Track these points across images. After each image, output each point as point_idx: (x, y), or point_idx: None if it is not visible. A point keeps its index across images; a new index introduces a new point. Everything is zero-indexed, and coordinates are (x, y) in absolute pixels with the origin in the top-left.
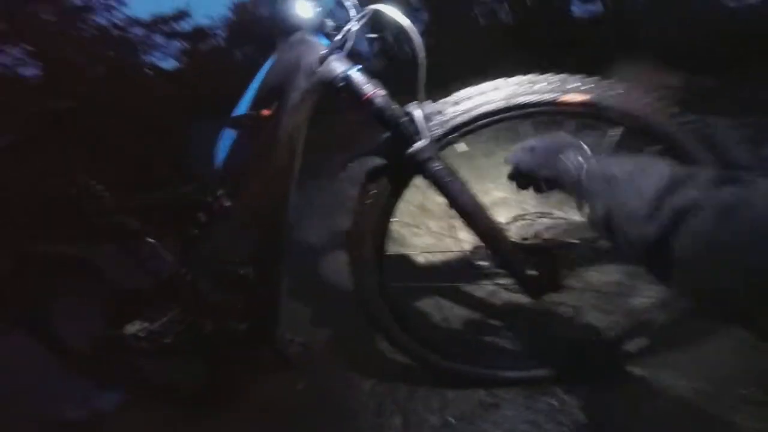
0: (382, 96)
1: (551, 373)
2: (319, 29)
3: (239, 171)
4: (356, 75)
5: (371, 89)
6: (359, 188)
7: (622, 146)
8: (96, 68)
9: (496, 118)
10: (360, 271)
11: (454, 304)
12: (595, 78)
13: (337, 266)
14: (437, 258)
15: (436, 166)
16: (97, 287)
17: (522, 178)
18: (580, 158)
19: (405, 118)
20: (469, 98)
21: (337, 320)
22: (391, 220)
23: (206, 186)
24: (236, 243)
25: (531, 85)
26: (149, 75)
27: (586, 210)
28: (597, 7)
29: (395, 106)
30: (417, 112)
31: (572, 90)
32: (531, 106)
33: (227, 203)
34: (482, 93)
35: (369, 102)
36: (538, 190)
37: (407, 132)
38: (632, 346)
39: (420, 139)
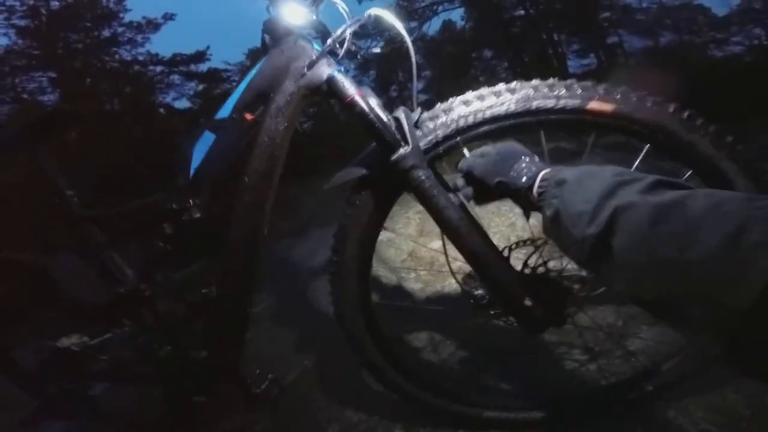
0: (367, 98)
1: (540, 417)
2: (312, 34)
3: (213, 179)
4: (340, 77)
5: (355, 91)
6: (344, 203)
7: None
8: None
9: (504, 124)
10: (343, 297)
11: (442, 336)
12: (624, 88)
13: (317, 291)
14: (428, 286)
15: (420, 176)
16: (49, 297)
17: (475, 184)
18: (533, 166)
19: (390, 123)
20: (468, 103)
21: (313, 352)
22: (377, 237)
23: (176, 195)
24: (202, 258)
25: (550, 89)
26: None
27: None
28: (591, 60)
29: (380, 110)
30: (403, 116)
31: (599, 98)
32: (550, 112)
33: (196, 214)
34: (484, 97)
35: (352, 104)
36: (489, 197)
37: (391, 138)
38: (632, 393)
39: (405, 146)
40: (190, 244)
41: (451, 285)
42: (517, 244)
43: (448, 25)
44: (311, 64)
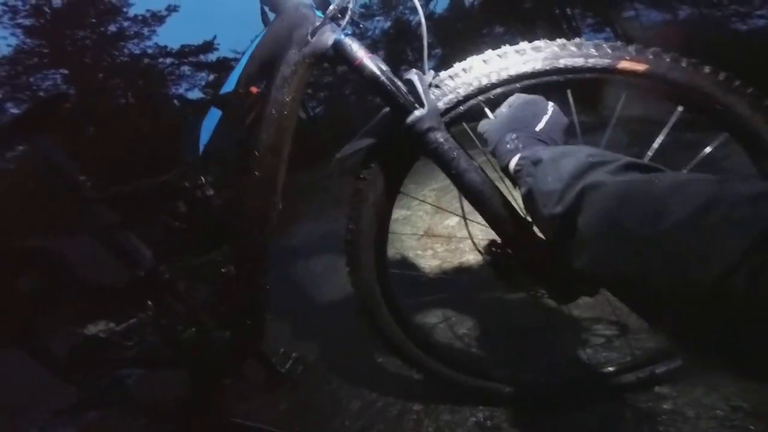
0: (376, 61)
1: (561, 394)
2: (313, 2)
3: (224, 155)
4: (347, 40)
5: (364, 54)
6: (356, 173)
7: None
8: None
9: (529, 82)
10: (360, 271)
11: (460, 310)
12: (656, 48)
13: (334, 271)
14: (445, 262)
15: (438, 138)
16: (66, 282)
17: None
18: (519, 143)
19: (403, 86)
20: (489, 61)
21: (331, 332)
22: (393, 204)
23: (187, 172)
24: (218, 235)
25: (577, 48)
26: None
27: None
28: (607, 35)
29: (391, 73)
30: (416, 78)
31: (631, 57)
32: (579, 70)
33: (209, 191)
34: (507, 55)
35: (361, 67)
36: None
37: (405, 101)
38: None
39: (420, 108)
40: (205, 222)
41: (469, 260)
42: None
43: (456, 1)
44: (314, 31)
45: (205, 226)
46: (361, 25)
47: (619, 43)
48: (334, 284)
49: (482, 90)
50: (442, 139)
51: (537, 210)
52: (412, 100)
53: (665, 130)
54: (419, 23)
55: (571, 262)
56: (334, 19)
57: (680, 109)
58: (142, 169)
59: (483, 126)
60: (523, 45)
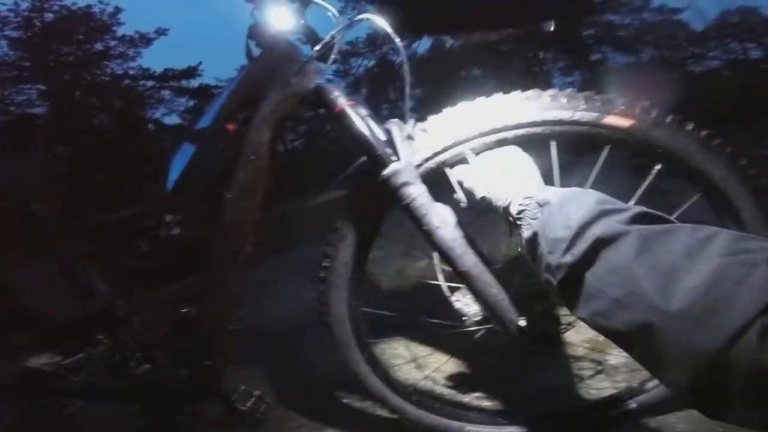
0: (357, 108)
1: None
2: (300, 40)
3: (193, 192)
4: (329, 86)
5: (344, 101)
6: (332, 222)
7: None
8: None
9: (516, 133)
10: (333, 316)
11: (429, 349)
12: (643, 103)
13: (302, 306)
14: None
15: (411, 193)
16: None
17: (466, 193)
18: (518, 184)
19: (382, 136)
20: (473, 111)
21: (294, 370)
22: (370, 249)
23: (153, 209)
24: (181, 276)
25: (567, 101)
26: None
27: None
28: (575, 78)
29: (371, 122)
30: (395, 128)
31: (617, 112)
32: (565, 123)
33: (175, 231)
34: (492, 105)
35: (341, 114)
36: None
37: (381, 152)
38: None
39: (396, 161)
40: (169, 261)
41: (440, 301)
42: (514, 259)
43: (437, 44)
44: (298, 71)
45: (167, 264)
46: (346, 64)
47: (610, 96)
48: (301, 321)
49: (467, 140)
50: (415, 195)
51: (542, 255)
52: (389, 151)
53: (643, 186)
54: (402, 67)
55: (573, 310)
56: (321, 58)
57: (658, 167)
58: (108, 198)
59: (461, 173)
60: (515, 94)
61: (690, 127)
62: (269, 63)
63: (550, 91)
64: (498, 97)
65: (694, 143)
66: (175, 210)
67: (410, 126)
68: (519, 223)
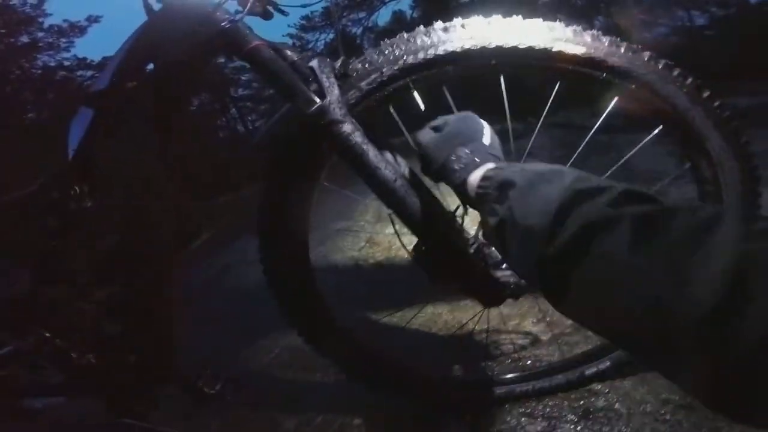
0: (273, 49)
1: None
2: None
3: (99, 159)
4: (237, 26)
5: (256, 40)
6: (264, 176)
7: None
8: None
9: (450, 67)
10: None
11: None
12: (598, 32)
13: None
14: (386, 269)
15: (344, 131)
16: None
17: (423, 159)
18: (475, 157)
19: (303, 74)
20: (408, 42)
21: (264, 349)
22: (310, 209)
23: (55, 182)
24: (102, 251)
25: (518, 27)
26: None
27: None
28: None
29: (290, 58)
30: (318, 65)
31: (572, 41)
32: (514, 53)
33: (87, 202)
34: (428, 35)
35: (252, 53)
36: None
37: (303, 90)
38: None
39: (321, 99)
40: (87, 235)
41: (409, 267)
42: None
43: (398, 15)
44: (205, 20)
45: (88, 241)
46: (282, 12)
47: (560, 24)
48: (266, 301)
49: (406, 71)
50: (347, 133)
51: (514, 246)
52: (313, 90)
53: (640, 146)
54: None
55: (559, 306)
56: (243, 3)
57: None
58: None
59: (423, 138)
60: (454, 21)
61: (654, 56)
62: (172, 13)
63: (493, 18)
64: (437, 26)
65: (661, 74)
66: (82, 179)
67: (340, 62)
68: (480, 208)
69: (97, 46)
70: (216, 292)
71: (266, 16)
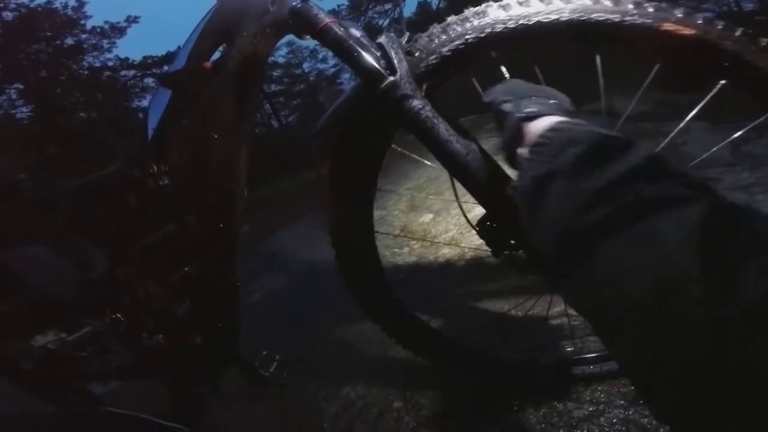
0: (344, 24)
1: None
2: None
3: (176, 139)
4: (307, 5)
5: (327, 18)
6: (333, 150)
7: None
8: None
9: (539, 38)
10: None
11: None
12: (704, 14)
13: (311, 275)
14: (422, 258)
15: (413, 106)
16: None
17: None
18: (541, 108)
19: (375, 52)
20: (479, 15)
21: (308, 335)
22: (375, 188)
23: (135, 162)
24: (177, 231)
25: (614, 3)
26: None
27: (521, 168)
28: None
29: (360, 36)
30: (387, 41)
31: (677, 20)
32: (613, 27)
33: (164, 181)
34: (505, 6)
35: (324, 33)
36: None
37: (376, 66)
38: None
39: (392, 75)
40: (163, 216)
41: (445, 255)
42: None
43: (424, 5)
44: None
45: (163, 221)
46: None
47: (663, 4)
48: (312, 288)
49: (485, 42)
50: (417, 108)
51: (546, 203)
52: (383, 65)
53: (702, 103)
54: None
55: (566, 277)
56: None
57: (722, 82)
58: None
59: (490, 91)
60: None
61: (765, 42)
62: None
63: None
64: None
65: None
66: (160, 159)
67: (405, 38)
68: (530, 155)
69: (139, 45)
70: (261, 281)
71: None
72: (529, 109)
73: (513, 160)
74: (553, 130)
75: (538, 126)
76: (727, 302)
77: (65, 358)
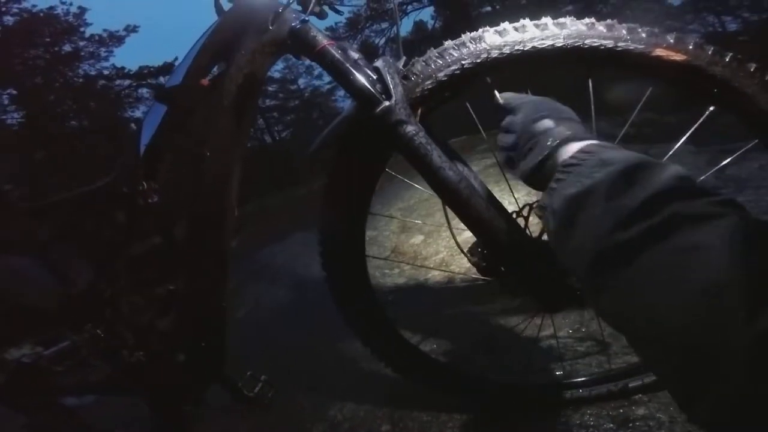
0: (341, 47)
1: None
2: None
3: (169, 155)
4: (306, 26)
5: (325, 41)
6: (326, 175)
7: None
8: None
9: (534, 63)
10: (337, 273)
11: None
12: (695, 39)
13: (301, 292)
14: (412, 279)
15: (408, 132)
16: None
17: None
18: (570, 131)
19: (371, 74)
20: (476, 41)
21: (294, 354)
22: (368, 210)
23: (125, 177)
24: (165, 248)
25: (608, 30)
26: None
27: (550, 188)
28: None
29: (357, 59)
30: (383, 65)
31: (668, 45)
32: (606, 54)
33: (153, 198)
34: (508, 32)
35: (321, 55)
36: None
37: (371, 90)
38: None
39: (387, 100)
40: (150, 233)
41: (435, 277)
42: (531, 206)
43: (420, 25)
44: (275, 18)
45: (151, 237)
46: (341, 13)
47: (655, 29)
48: (299, 305)
49: (481, 68)
50: (411, 134)
51: (582, 220)
52: (378, 90)
53: (692, 130)
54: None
55: (600, 294)
56: (304, 3)
57: (711, 108)
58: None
59: (503, 130)
60: (544, 19)
61: (752, 68)
62: (243, 11)
63: (586, 20)
64: (520, 24)
65: (756, 85)
66: (151, 175)
67: (402, 62)
68: (561, 175)
69: (136, 55)
70: (247, 298)
71: (321, 15)
72: (568, 133)
73: (513, 165)
74: (586, 152)
75: (572, 149)
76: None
77: (40, 372)
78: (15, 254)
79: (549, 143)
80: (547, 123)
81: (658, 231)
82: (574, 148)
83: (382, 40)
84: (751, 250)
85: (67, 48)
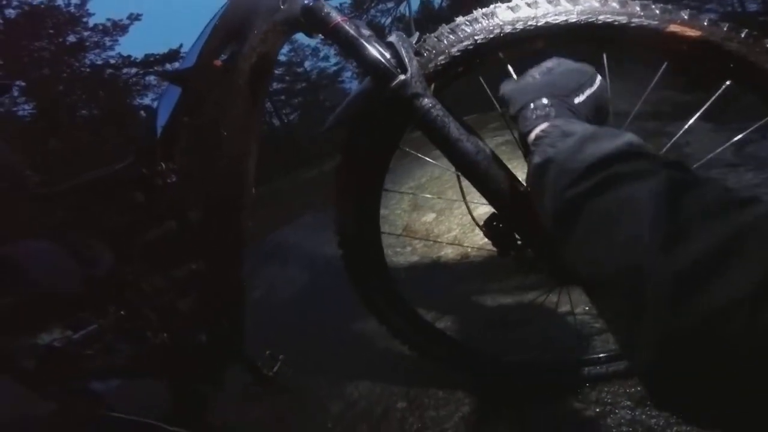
0: (354, 23)
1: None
2: None
3: (185, 136)
4: (319, 4)
5: (338, 17)
6: (341, 149)
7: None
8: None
9: (554, 38)
10: (352, 251)
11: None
12: (709, 16)
13: (312, 274)
14: (425, 257)
15: (424, 105)
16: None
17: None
18: (553, 110)
19: (385, 50)
20: (488, 16)
21: (310, 334)
22: (382, 187)
23: (144, 158)
24: (185, 228)
25: (621, 5)
26: None
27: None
28: None
29: (371, 35)
30: (398, 41)
31: (682, 21)
32: (620, 30)
33: (172, 178)
34: (523, 7)
35: (335, 31)
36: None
37: (385, 66)
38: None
39: (403, 74)
40: (170, 213)
41: (448, 254)
42: None
43: (426, 3)
44: None
45: (170, 218)
46: None
47: (669, 6)
48: (313, 285)
49: (494, 43)
50: (428, 106)
51: (546, 185)
52: (393, 64)
53: (707, 105)
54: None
55: (563, 245)
56: None
57: (728, 83)
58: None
59: (507, 87)
60: None
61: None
62: None
63: None
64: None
65: None
66: (169, 156)
67: (415, 38)
68: (533, 148)
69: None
70: (262, 278)
71: None
72: (536, 115)
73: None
74: (552, 126)
75: (542, 126)
76: (677, 255)
77: (70, 356)
78: (39, 240)
79: (526, 126)
80: (540, 101)
81: (598, 188)
82: (545, 125)
83: (388, 20)
84: (675, 200)
85: (72, 39)
